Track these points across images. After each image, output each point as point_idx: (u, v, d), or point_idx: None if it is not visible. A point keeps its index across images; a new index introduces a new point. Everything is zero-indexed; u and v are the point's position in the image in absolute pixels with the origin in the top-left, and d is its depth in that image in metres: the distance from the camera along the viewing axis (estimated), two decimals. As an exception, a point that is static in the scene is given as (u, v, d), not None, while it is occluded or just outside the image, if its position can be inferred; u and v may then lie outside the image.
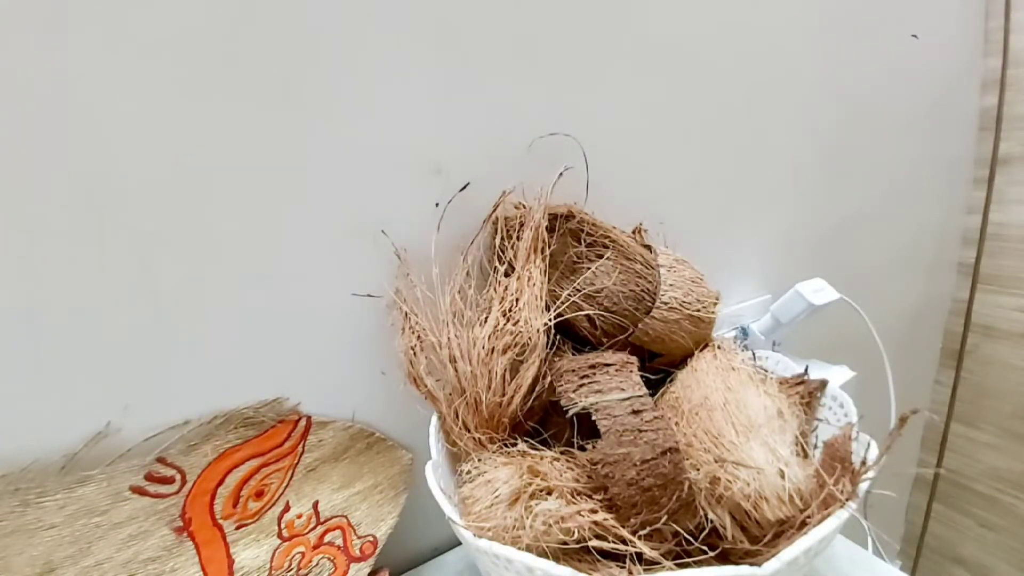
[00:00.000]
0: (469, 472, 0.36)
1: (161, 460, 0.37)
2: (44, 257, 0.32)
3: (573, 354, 0.43)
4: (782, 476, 0.32)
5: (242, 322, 0.40)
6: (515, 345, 0.40)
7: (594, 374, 0.37)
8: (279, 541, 0.41)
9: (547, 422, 0.43)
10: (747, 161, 0.69)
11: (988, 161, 1.06)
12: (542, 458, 0.35)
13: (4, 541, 0.32)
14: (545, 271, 0.44)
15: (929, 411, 1.21)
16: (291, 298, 0.41)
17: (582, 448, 0.35)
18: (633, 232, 0.52)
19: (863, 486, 0.32)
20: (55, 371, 0.34)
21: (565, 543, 0.31)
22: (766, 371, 0.44)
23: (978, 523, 1.18)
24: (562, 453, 0.35)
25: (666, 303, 0.43)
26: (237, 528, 0.40)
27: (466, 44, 0.45)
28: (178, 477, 0.37)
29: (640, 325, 0.43)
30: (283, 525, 0.41)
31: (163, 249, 0.36)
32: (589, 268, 0.44)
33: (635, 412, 0.33)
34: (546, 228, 0.44)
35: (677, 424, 0.37)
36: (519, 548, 0.29)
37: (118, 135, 0.33)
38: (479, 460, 0.36)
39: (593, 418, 0.33)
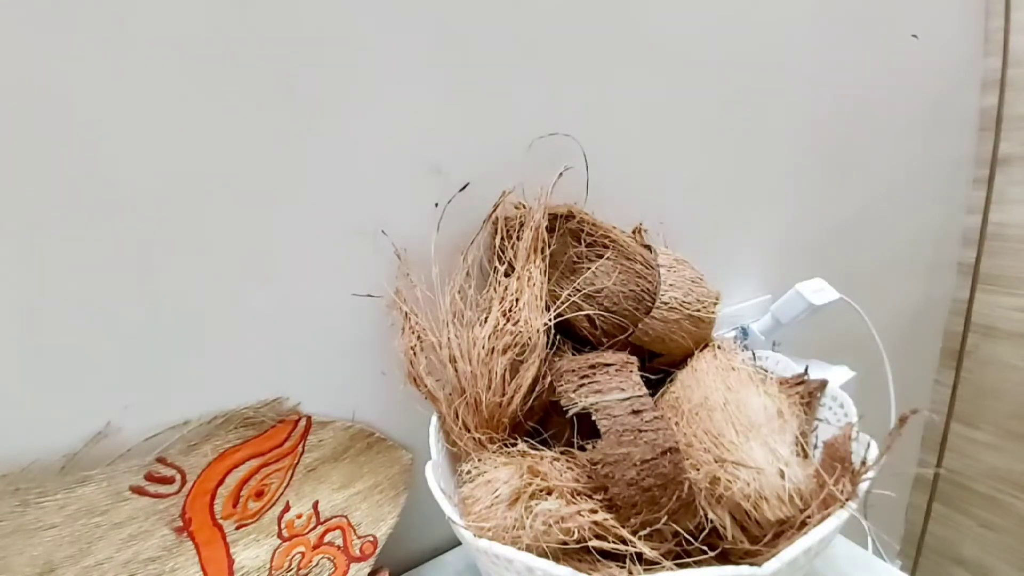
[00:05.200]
0: (469, 472, 0.36)
1: (161, 460, 0.37)
2: (44, 257, 0.32)
3: (573, 354, 0.43)
4: (782, 476, 0.32)
5: (242, 322, 0.40)
6: (515, 345, 0.40)
7: (594, 374, 0.37)
8: (279, 541, 0.41)
9: (547, 422, 0.43)
10: (747, 161, 0.69)
11: (988, 161, 1.06)
12: (542, 458, 0.35)
13: (4, 541, 0.32)
14: (545, 271, 0.44)
15: (929, 411, 1.21)
16: (291, 298, 0.41)
17: (582, 448, 0.35)
18: (633, 232, 0.52)
19: (863, 486, 0.32)
20: (55, 371, 0.34)
21: (565, 543, 0.31)
22: (766, 371, 0.44)
23: (978, 523, 1.18)
24: (562, 453, 0.35)
25: (666, 303, 0.43)
26: (237, 528, 0.40)
27: (466, 44, 0.45)
28: (178, 477, 0.37)
29: (640, 325, 0.43)
30: (283, 525, 0.41)
31: (163, 249, 0.36)
32: (589, 268, 0.44)
33: (635, 412, 0.33)
34: (546, 228, 0.44)
35: (677, 424, 0.37)
36: (519, 548, 0.29)
37: (118, 135, 0.33)
38: (479, 460, 0.36)
39: (593, 418, 0.33)
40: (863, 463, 0.32)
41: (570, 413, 0.35)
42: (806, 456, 0.36)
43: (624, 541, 0.30)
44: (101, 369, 0.35)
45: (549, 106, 0.50)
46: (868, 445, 0.35)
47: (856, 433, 0.36)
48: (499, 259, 0.45)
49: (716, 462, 0.33)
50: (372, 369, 0.45)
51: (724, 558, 0.32)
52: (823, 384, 0.43)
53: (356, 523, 0.44)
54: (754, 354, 0.48)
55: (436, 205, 0.45)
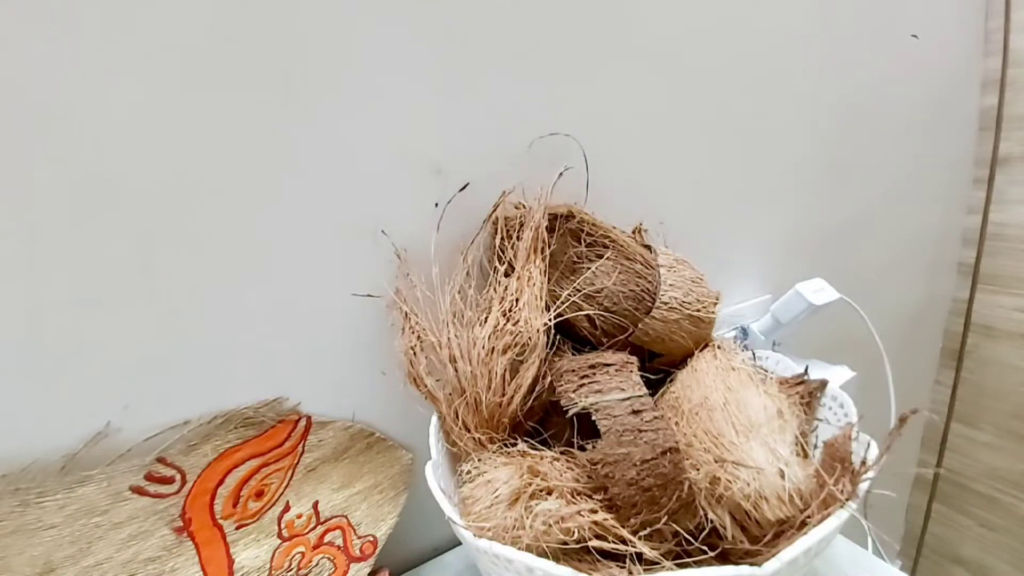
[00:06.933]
0: (469, 472, 0.36)
1: (161, 460, 0.37)
2: (44, 257, 0.32)
3: (573, 354, 0.43)
4: (782, 476, 0.32)
5: (242, 322, 0.40)
6: (515, 345, 0.40)
7: (594, 374, 0.37)
8: (279, 541, 0.41)
9: (547, 422, 0.43)
10: (747, 161, 0.69)
11: (988, 161, 1.06)
12: (542, 458, 0.35)
13: (4, 541, 0.32)
14: (545, 271, 0.44)
15: (929, 411, 1.21)
16: (291, 298, 0.41)
17: (582, 448, 0.35)
18: (633, 232, 0.52)
19: (863, 486, 0.32)
20: (55, 371, 0.34)
21: (565, 543, 0.31)
22: (766, 371, 0.44)
23: (978, 523, 1.18)
24: (562, 453, 0.35)
25: (666, 303, 0.43)
26: (237, 528, 0.40)
27: (466, 44, 0.45)
28: (178, 477, 0.37)
29: (640, 325, 0.43)
30: (283, 525, 0.41)
31: (163, 249, 0.36)
32: (589, 268, 0.44)
33: (635, 412, 0.33)
34: (546, 228, 0.44)
35: (677, 424, 0.37)
36: (519, 548, 0.29)
37: (117, 134, 0.33)
38: (479, 460, 0.36)
39: (593, 418, 0.33)
40: (863, 463, 0.32)
41: (570, 413, 0.35)
42: (806, 456, 0.36)
43: (624, 541, 0.30)
44: (101, 369, 0.35)
45: (549, 106, 0.50)
46: (868, 445, 0.35)
47: (856, 433, 0.36)
48: (499, 259, 0.45)
49: (716, 462, 0.33)
50: (372, 369, 0.45)
51: (724, 558, 0.32)
52: (823, 384, 0.43)
53: (356, 523, 0.44)
54: (754, 354, 0.48)
55: (436, 205, 0.45)
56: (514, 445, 0.37)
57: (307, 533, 0.42)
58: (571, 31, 0.50)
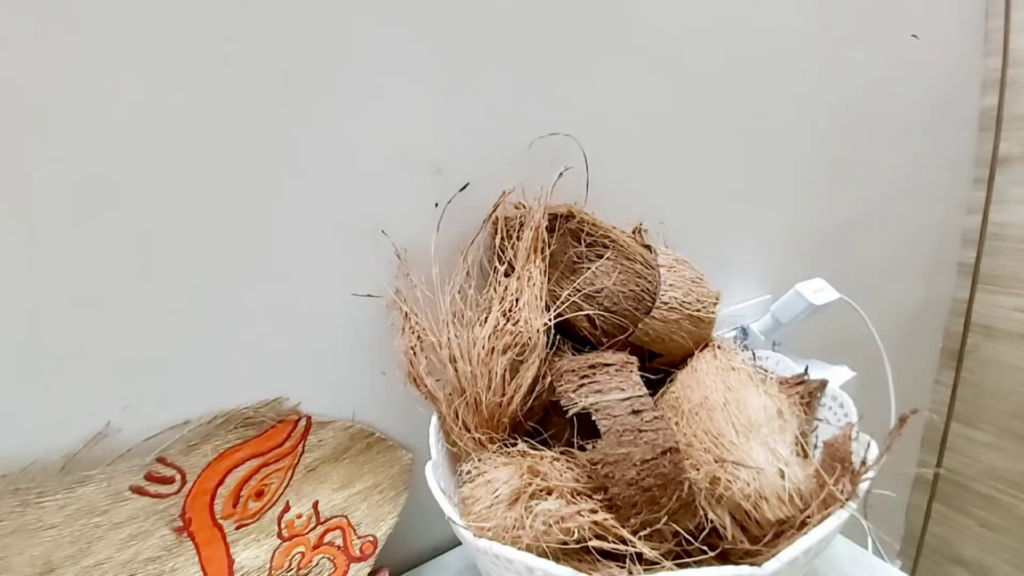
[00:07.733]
0: (469, 472, 0.36)
1: (161, 460, 0.37)
2: (44, 257, 0.32)
3: (573, 354, 0.43)
4: (782, 476, 0.32)
5: (242, 322, 0.40)
6: (515, 345, 0.40)
7: (594, 374, 0.37)
8: (279, 541, 0.41)
9: (547, 422, 0.43)
10: (747, 161, 0.69)
11: (988, 161, 1.06)
12: (542, 458, 0.35)
13: (4, 541, 0.32)
14: (545, 271, 0.44)
15: (929, 411, 1.21)
16: (291, 298, 0.41)
17: (582, 448, 0.35)
18: (633, 232, 0.52)
19: (863, 486, 0.32)
20: (55, 371, 0.34)
21: (565, 543, 0.31)
22: (766, 371, 0.44)
23: (978, 523, 1.18)
24: (562, 453, 0.35)
25: (666, 303, 0.43)
26: (237, 528, 0.40)
27: (466, 44, 0.45)
28: (178, 477, 0.37)
29: (640, 325, 0.43)
30: (283, 525, 0.41)
31: (163, 249, 0.36)
32: (589, 268, 0.44)
33: (635, 412, 0.33)
34: (546, 228, 0.44)
35: (677, 424, 0.37)
36: (519, 548, 0.29)
37: (117, 134, 0.33)
38: (479, 460, 0.36)
39: (593, 418, 0.33)
40: (863, 463, 0.32)
41: (570, 413, 0.35)
42: (806, 456, 0.36)
43: (624, 541, 0.30)
44: (101, 369, 0.35)
45: (549, 106, 0.50)
46: (868, 445, 0.35)
47: (856, 433, 0.36)
48: (499, 259, 0.45)
49: (716, 462, 0.33)
50: (372, 369, 0.45)
51: (724, 558, 0.32)
52: (823, 384, 0.43)
53: (356, 523, 0.44)
54: (754, 354, 0.48)
55: (436, 205, 0.45)
56: (514, 445, 0.37)
57: (307, 533, 0.42)
58: (571, 31, 0.50)
